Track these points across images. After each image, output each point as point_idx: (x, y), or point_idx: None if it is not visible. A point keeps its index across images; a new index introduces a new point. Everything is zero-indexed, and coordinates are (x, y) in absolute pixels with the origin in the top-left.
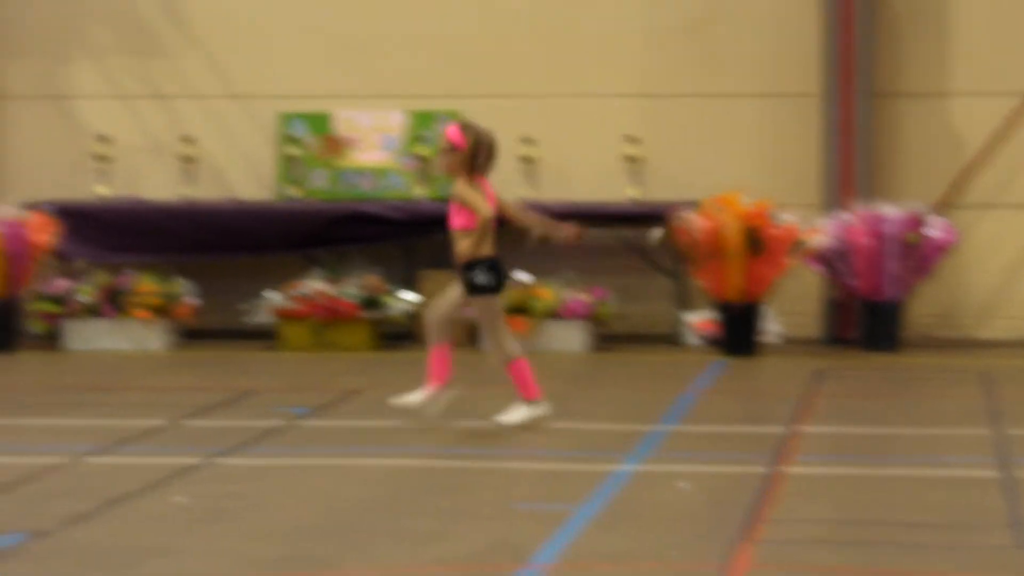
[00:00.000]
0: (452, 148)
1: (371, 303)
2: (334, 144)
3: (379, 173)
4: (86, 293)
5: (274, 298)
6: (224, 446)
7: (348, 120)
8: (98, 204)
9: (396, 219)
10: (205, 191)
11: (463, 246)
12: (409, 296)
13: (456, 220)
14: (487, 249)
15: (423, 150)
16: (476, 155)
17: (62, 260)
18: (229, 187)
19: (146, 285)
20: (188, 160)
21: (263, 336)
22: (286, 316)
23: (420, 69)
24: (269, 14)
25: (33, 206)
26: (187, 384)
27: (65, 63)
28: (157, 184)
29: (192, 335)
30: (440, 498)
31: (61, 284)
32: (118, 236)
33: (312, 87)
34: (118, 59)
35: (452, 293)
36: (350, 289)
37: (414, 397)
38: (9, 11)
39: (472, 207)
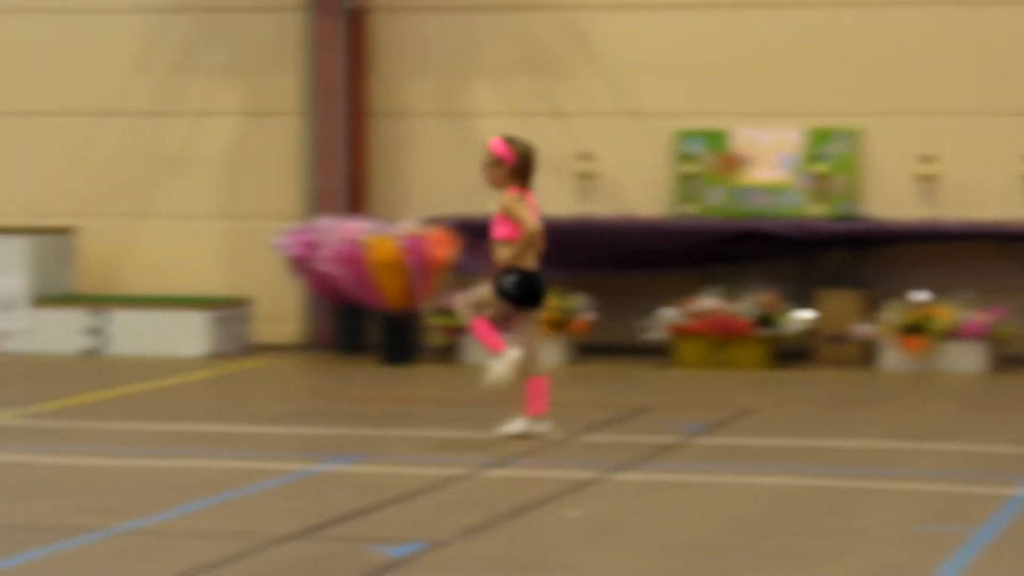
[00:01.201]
0: (498, 161)
1: (766, 321)
2: (730, 162)
3: (775, 191)
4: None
5: (669, 315)
6: (618, 461)
7: (745, 138)
8: None
9: (792, 237)
10: (601, 207)
11: (503, 254)
12: (804, 315)
13: (498, 230)
14: (528, 262)
15: (820, 168)
16: (523, 168)
17: (461, 275)
18: (625, 204)
19: (551, 300)
20: (585, 177)
21: (657, 352)
22: (681, 333)
23: (818, 87)
24: (666, 33)
25: (433, 221)
26: (583, 399)
27: (465, 81)
28: (556, 201)
29: (588, 350)
30: (833, 518)
31: (460, 299)
32: None
33: (709, 105)
34: (517, 77)
35: (525, 328)
36: (745, 307)
37: (514, 426)
38: (413, 31)
39: (519, 220)
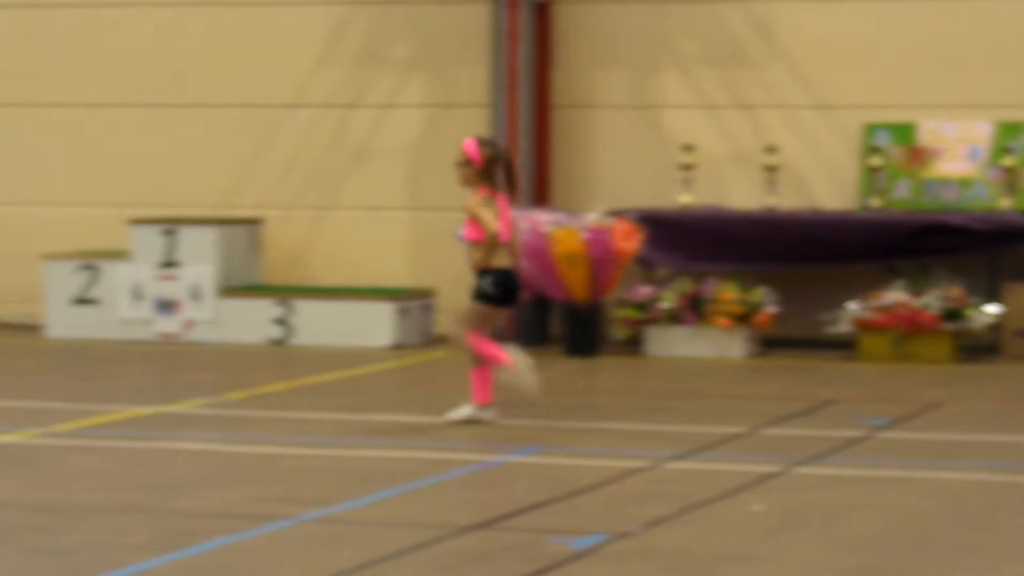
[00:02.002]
0: (468, 161)
1: (953, 315)
2: (918, 155)
3: (963, 184)
4: (668, 300)
5: (854, 308)
6: (802, 455)
7: (933, 130)
8: (681, 213)
9: (980, 230)
10: (787, 200)
11: (476, 256)
12: (992, 309)
13: (469, 232)
14: (501, 261)
15: (1010, 161)
16: (490, 170)
17: (645, 267)
18: (811, 197)
19: (728, 293)
20: (771, 169)
21: (842, 346)
22: (866, 326)
23: (1008, 79)
24: (854, 24)
25: (618, 213)
26: (766, 392)
27: (653, 73)
28: (741, 193)
29: (771, 343)
30: (1020, 516)
31: (644, 291)
32: (700, 244)
33: (897, 97)
34: (704, 69)
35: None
36: (932, 300)
37: (460, 412)
38: (598, 22)
39: (481, 221)
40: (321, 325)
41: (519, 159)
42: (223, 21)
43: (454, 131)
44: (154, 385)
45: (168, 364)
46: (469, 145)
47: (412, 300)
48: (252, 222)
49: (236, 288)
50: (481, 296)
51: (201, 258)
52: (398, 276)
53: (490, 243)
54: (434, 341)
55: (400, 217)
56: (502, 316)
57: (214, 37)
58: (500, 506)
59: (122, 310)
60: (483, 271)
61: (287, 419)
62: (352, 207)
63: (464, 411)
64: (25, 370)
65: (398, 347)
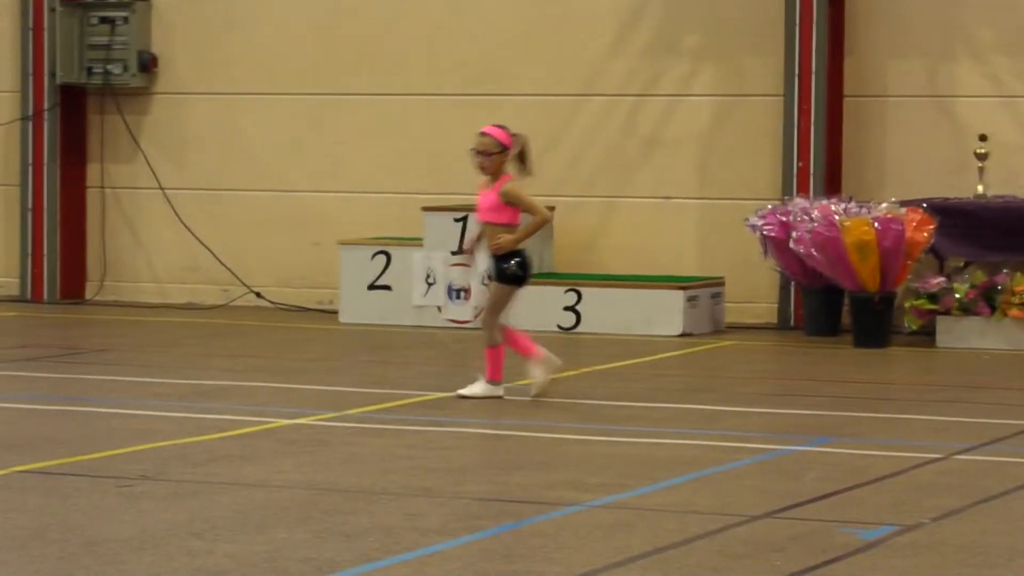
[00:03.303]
0: (502, 148)
1: None
2: None
3: None
4: (961, 291)
5: None
6: None
7: None
8: (976, 202)
9: None
10: None
11: (503, 239)
12: None
13: (497, 215)
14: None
15: None
16: (523, 155)
17: (937, 257)
18: None
19: (1022, 284)
20: None
21: None
22: None
23: None
24: None
25: (910, 203)
26: None
27: (945, 62)
28: None
29: None
30: None
31: (936, 281)
32: (996, 235)
33: None
34: (999, 58)
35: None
36: None
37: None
38: (893, 10)
39: (529, 207)
40: (610, 313)
41: (811, 148)
42: (516, 11)
43: (745, 121)
44: (444, 370)
45: (459, 350)
46: (498, 132)
47: (701, 288)
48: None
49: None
50: (512, 278)
51: None
52: (687, 265)
53: (537, 227)
54: (723, 330)
55: (690, 206)
56: (517, 298)
57: (507, 27)
58: (790, 495)
59: (414, 296)
60: (509, 253)
61: (576, 406)
62: (642, 196)
63: (477, 388)
64: (319, 355)
65: (686, 335)
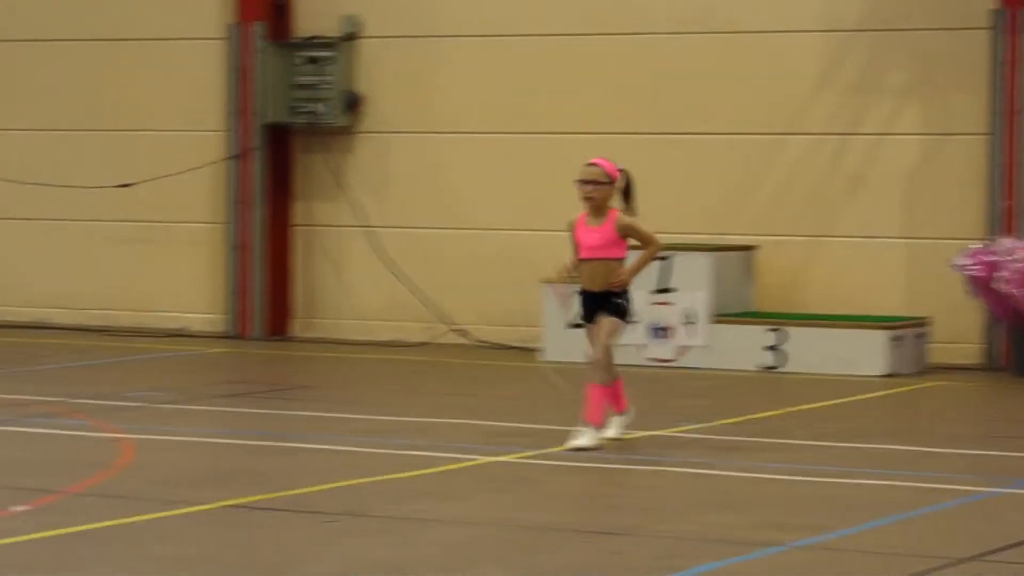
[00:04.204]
0: (610, 180)
1: None
2: None
3: None
4: None
5: None
6: None
7: None
8: None
9: None
10: None
11: (626, 272)
12: None
13: (615, 250)
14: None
15: None
16: (628, 188)
17: None
18: None
19: None
20: None
21: None
22: None
23: None
24: None
25: None
26: None
27: None
28: None
29: None
30: None
31: None
32: None
33: None
34: None
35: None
36: None
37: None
38: None
39: (646, 238)
40: (814, 352)
41: (1018, 187)
42: (720, 50)
43: (952, 159)
44: (646, 409)
45: (660, 388)
46: (606, 163)
47: (906, 329)
48: (746, 248)
49: (729, 315)
50: (625, 314)
51: (695, 284)
52: (892, 304)
53: (652, 257)
54: (928, 370)
55: (895, 245)
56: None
57: (712, 65)
58: (996, 538)
59: None
60: (621, 290)
61: (779, 445)
62: (847, 235)
63: (611, 430)
64: (520, 392)
65: (891, 376)
